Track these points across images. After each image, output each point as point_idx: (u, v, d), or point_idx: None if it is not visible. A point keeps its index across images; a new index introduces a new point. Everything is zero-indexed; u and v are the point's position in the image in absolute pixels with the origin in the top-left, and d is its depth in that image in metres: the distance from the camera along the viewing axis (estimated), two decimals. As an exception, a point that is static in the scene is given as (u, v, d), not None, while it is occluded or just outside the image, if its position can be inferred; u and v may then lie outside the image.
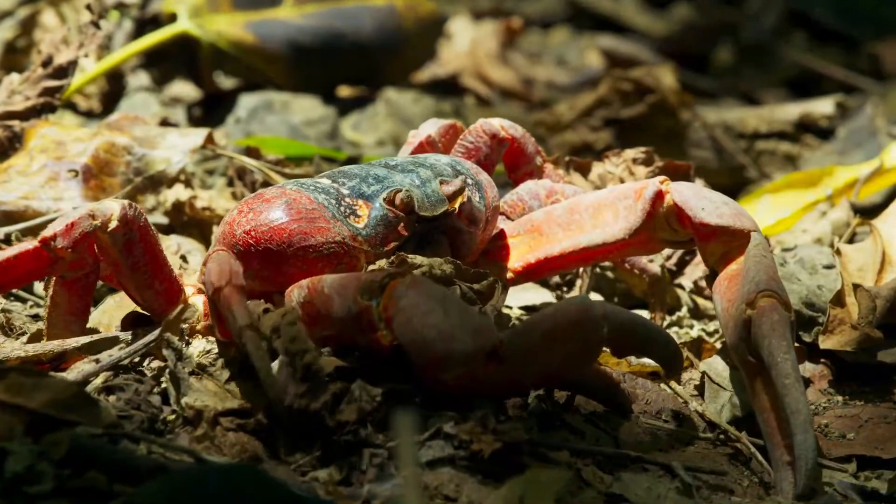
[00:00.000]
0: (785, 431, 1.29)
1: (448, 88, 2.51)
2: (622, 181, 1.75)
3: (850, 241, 1.76)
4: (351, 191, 1.40)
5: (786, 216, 1.89)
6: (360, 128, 2.23)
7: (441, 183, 1.42)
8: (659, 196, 1.45)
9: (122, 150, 1.78)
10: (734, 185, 2.12)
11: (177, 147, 1.80)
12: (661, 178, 1.47)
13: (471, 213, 1.44)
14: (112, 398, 1.28)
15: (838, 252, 1.61)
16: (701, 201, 1.44)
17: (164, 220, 1.80)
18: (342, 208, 1.39)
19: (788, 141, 2.19)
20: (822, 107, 2.22)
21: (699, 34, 3.04)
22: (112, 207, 1.36)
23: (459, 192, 1.42)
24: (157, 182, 1.78)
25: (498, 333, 1.23)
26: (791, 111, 2.22)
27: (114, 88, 2.25)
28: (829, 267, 1.60)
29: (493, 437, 1.23)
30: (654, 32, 3.07)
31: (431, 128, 1.59)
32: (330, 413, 1.23)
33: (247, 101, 2.20)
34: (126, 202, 1.37)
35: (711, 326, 1.67)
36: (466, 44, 2.73)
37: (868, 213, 1.85)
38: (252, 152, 1.89)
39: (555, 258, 1.48)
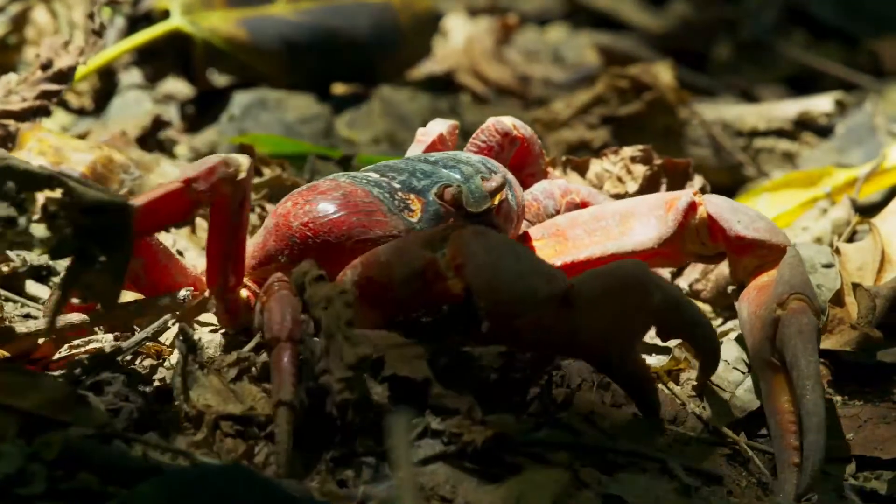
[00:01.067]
0: (796, 434, 1.29)
1: (444, 86, 2.50)
2: (620, 180, 1.74)
3: (850, 239, 1.75)
4: (402, 185, 1.40)
5: (785, 213, 1.88)
6: (354, 126, 2.22)
7: (482, 179, 1.41)
8: (692, 207, 1.45)
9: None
10: (732, 183, 2.11)
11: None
12: (694, 189, 1.47)
13: (508, 210, 1.43)
14: (102, 396, 1.26)
15: (837, 251, 1.60)
16: (736, 214, 1.44)
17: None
18: (396, 202, 1.38)
19: (787, 139, 2.18)
20: (822, 104, 2.21)
21: (697, 31, 3.04)
22: (241, 159, 1.33)
23: (500, 188, 1.41)
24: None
25: (566, 278, 1.24)
26: (790, 109, 2.21)
27: (106, 86, 2.24)
28: (829, 266, 1.59)
29: (482, 428, 1.22)
30: (651, 29, 3.06)
31: (441, 126, 1.58)
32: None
33: (241, 99, 2.19)
34: (249, 158, 1.35)
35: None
36: (462, 41, 2.72)
37: (868, 211, 1.84)
38: (245, 150, 1.88)
39: (581, 263, 1.46)
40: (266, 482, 1.12)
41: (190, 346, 1.28)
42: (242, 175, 1.32)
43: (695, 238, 1.46)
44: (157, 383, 1.31)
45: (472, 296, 1.25)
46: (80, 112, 2.19)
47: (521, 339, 1.26)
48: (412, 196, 1.39)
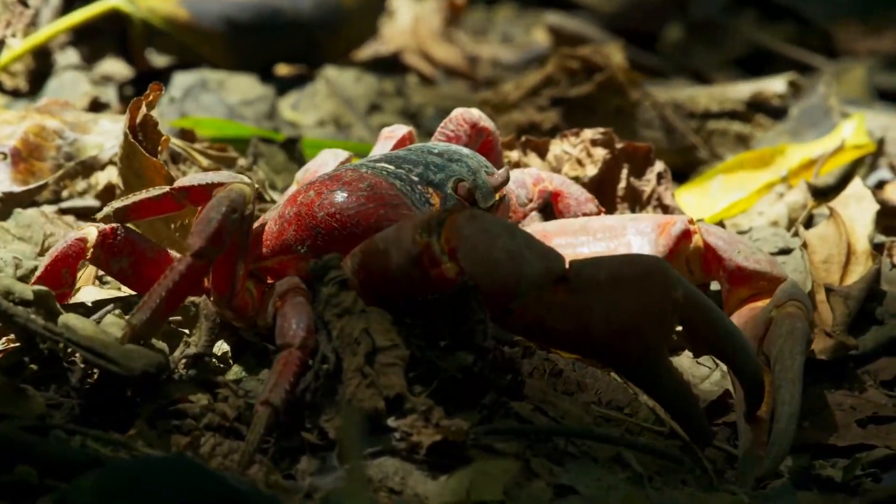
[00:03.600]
0: (766, 432, 1.27)
1: (390, 67, 2.49)
2: (579, 162, 1.72)
3: (808, 223, 1.75)
4: (420, 178, 1.38)
5: (739, 198, 1.88)
6: (299, 107, 2.21)
7: (487, 174, 1.40)
8: (686, 235, 1.45)
9: (52, 134, 1.75)
10: (685, 165, 2.10)
11: (110, 132, 1.76)
12: (689, 217, 1.46)
13: (507, 205, 1.43)
14: (44, 392, 1.24)
15: (805, 245, 1.59)
16: (736, 245, 1.44)
17: (95, 203, 1.76)
18: (417, 195, 1.36)
19: (740, 120, 2.18)
20: (774, 85, 2.22)
21: (648, 11, 3.04)
22: (245, 191, 1.30)
23: (504, 183, 1.40)
24: (90, 167, 1.76)
25: (564, 259, 1.21)
26: (742, 90, 2.22)
27: (41, 66, 2.20)
28: (786, 251, 1.59)
29: (434, 431, 1.19)
30: (602, 9, 3.07)
31: (404, 128, 1.56)
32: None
33: (181, 80, 2.16)
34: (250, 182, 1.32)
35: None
36: (409, 21, 2.71)
37: (822, 193, 1.84)
38: (187, 134, 1.86)
39: None
40: (210, 473, 1.09)
41: None
42: (249, 209, 1.30)
43: (683, 266, 1.45)
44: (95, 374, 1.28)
45: (467, 281, 1.22)
46: (15, 93, 2.16)
47: (522, 324, 1.22)
48: (431, 190, 1.37)
